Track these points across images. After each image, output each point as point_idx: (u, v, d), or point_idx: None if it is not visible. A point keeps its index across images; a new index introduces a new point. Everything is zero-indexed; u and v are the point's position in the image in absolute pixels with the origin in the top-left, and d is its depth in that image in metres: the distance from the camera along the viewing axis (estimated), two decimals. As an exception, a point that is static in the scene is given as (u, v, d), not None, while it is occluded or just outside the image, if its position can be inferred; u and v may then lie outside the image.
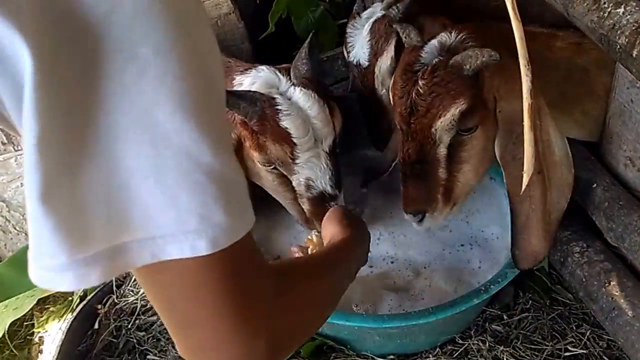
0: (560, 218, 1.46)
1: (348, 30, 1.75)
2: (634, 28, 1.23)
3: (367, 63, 1.74)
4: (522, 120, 1.40)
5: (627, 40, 1.24)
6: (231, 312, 0.75)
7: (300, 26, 1.94)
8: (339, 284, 1.13)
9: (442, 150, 1.43)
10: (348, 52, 1.78)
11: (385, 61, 1.72)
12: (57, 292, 2.14)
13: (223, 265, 0.72)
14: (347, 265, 1.20)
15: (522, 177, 1.39)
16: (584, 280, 1.62)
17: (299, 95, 1.60)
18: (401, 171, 1.49)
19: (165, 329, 1.89)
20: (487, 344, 1.65)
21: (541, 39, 1.46)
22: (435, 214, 1.52)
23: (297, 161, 1.61)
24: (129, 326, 1.91)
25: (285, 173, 1.66)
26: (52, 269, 0.64)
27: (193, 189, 0.66)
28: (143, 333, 1.90)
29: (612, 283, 1.59)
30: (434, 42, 1.42)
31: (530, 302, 1.72)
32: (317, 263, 1.16)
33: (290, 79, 1.64)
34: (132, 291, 2.01)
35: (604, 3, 1.34)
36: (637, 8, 1.23)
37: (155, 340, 1.89)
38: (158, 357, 1.84)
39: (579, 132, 1.64)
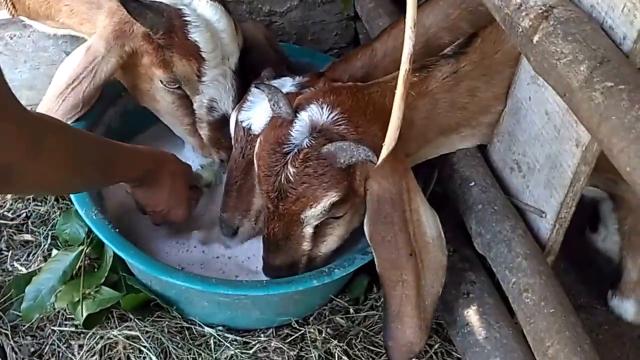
0: (435, 303, 1.33)
1: (251, 90, 1.51)
2: (540, 11, 1.08)
3: (258, 131, 1.48)
4: (391, 187, 1.26)
5: (530, 23, 1.09)
6: None
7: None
8: (89, 164, 1.25)
9: (309, 230, 1.36)
10: (242, 111, 1.52)
11: None
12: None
13: None
14: (104, 156, 1.30)
15: (393, 259, 1.26)
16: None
17: (206, 7, 1.52)
18: (264, 243, 1.42)
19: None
20: (323, 335, 1.48)
21: (414, 88, 1.33)
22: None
23: (203, 79, 1.55)
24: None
25: (188, 93, 1.58)
26: None
27: None
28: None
29: (471, 296, 1.44)
30: (305, 119, 1.28)
31: (382, 299, 1.54)
32: (83, 135, 1.31)
33: None
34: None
35: (517, -19, 1.19)
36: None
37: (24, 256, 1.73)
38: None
39: (469, 143, 1.51)
